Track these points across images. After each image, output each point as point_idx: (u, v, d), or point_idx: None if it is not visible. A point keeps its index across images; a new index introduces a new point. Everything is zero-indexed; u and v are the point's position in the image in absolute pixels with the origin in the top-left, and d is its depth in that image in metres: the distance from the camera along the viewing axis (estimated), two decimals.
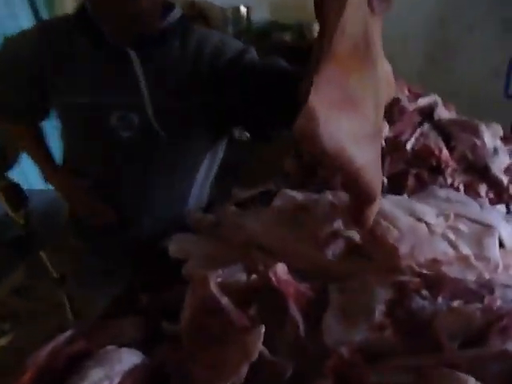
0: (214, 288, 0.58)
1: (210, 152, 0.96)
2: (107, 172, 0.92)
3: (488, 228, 0.72)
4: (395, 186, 0.92)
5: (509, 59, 2.43)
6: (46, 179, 1.02)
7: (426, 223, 0.68)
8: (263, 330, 0.54)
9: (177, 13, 0.84)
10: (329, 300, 0.61)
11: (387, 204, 0.71)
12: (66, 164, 0.98)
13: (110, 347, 0.56)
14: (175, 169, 0.94)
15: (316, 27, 2.51)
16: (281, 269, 0.62)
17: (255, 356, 0.50)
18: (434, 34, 2.64)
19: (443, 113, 0.94)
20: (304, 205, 0.82)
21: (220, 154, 1.02)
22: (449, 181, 0.90)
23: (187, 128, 0.88)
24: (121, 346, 0.60)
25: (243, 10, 2.55)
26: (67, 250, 1.10)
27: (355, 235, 0.68)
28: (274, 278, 0.61)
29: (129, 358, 0.55)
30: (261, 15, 2.76)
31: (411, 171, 0.91)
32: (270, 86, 0.79)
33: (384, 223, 0.68)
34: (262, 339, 0.52)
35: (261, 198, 1.04)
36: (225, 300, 0.58)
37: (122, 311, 0.75)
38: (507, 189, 0.91)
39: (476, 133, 0.89)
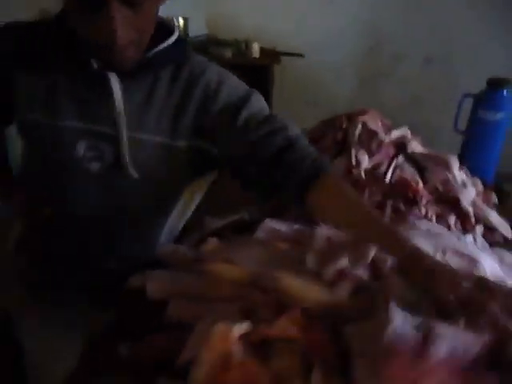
0: (235, 343, 0.52)
1: (189, 188, 0.87)
2: (67, 205, 0.79)
3: (472, 260, 0.75)
4: None
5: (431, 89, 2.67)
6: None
7: None
8: None
9: (172, 38, 0.75)
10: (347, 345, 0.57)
11: None
12: (22, 184, 0.83)
13: None
14: (148, 208, 0.83)
15: (256, 47, 2.52)
16: (296, 314, 0.58)
17: None
18: (364, 61, 2.80)
19: (416, 146, 0.98)
20: (295, 240, 0.78)
21: (204, 188, 0.94)
22: (423, 212, 0.93)
23: (164, 168, 0.78)
24: None
25: (181, 21, 2.48)
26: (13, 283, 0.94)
27: (364, 273, 0.66)
28: (293, 327, 0.56)
29: None
30: (197, 28, 2.70)
31: (388, 202, 0.92)
32: (264, 163, 0.74)
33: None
34: None
35: (233, 227, 0.99)
36: (247, 356, 0.52)
37: (96, 368, 0.65)
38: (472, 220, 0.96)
39: (447, 167, 0.94)
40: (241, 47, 2.53)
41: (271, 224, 0.87)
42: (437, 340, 0.52)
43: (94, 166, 0.74)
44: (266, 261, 0.74)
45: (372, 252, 0.68)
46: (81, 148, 0.72)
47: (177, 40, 0.74)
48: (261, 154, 0.75)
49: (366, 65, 2.81)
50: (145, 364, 0.62)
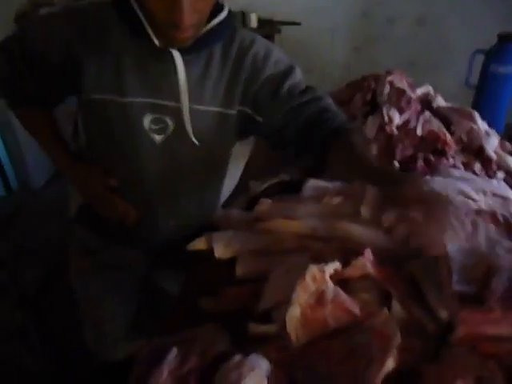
0: (327, 281, 0.58)
1: (235, 153, 0.93)
2: (134, 174, 0.84)
3: (506, 199, 0.82)
4: (406, 169, 0.99)
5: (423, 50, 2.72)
6: (61, 169, 0.91)
7: (474, 200, 0.75)
8: (386, 312, 0.57)
9: (223, 14, 0.78)
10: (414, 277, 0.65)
11: (438, 185, 0.77)
12: (87, 158, 0.88)
13: (238, 356, 0.53)
14: (205, 172, 0.89)
15: (253, 17, 2.52)
16: (369, 255, 0.65)
17: (398, 339, 0.52)
18: (357, 26, 2.83)
19: (440, 101, 1.04)
20: (346, 194, 0.85)
21: (246, 154, 0.99)
22: (451, 161, 1.00)
23: (218, 134, 0.83)
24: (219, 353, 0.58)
25: None
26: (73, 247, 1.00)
27: (418, 216, 0.73)
28: (370, 266, 0.63)
29: (262, 364, 0.53)
30: None
31: (419, 155, 0.99)
32: (301, 126, 0.80)
33: (440, 200, 0.73)
34: (394, 322, 0.54)
35: (276, 188, 1.04)
36: (337, 292, 0.58)
37: (186, 320, 0.71)
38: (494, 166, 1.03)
39: (472, 118, 1.00)
40: (238, 18, 2.53)
41: (316, 183, 0.94)
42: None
43: (158, 137, 0.79)
44: (322, 214, 0.81)
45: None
46: (147, 121, 0.77)
47: (227, 15, 0.78)
48: (301, 118, 0.81)
49: (360, 29, 2.84)
50: (227, 314, 0.68)
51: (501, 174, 1.06)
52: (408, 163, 1.00)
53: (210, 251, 0.82)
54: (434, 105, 1.03)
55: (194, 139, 0.79)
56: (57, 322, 1.47)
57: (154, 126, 0.78)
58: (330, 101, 0.85)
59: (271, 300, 0.68)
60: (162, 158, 0.82)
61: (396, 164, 0.99)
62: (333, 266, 0.60)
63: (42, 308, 1.55)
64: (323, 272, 0.58)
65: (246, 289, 0.74)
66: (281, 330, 0.60)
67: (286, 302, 0.61)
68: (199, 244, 0.85)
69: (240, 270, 0.78)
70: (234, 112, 0.82)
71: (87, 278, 0.98)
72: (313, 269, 0.58)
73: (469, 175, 0.95)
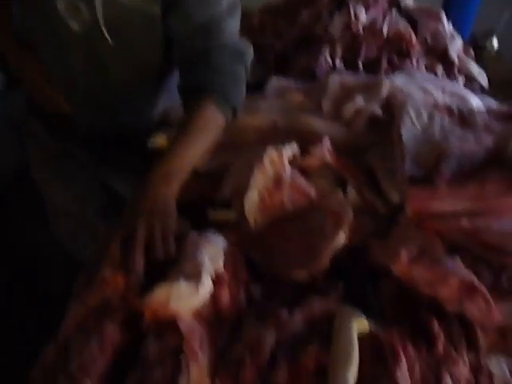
0: (286, 165, 0.59)
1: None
2: (63, 67, 0.80)
3: (463, 98, 0.84)
4: (370, 70, 0.98)
5: None
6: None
7: (433, 96, 0.77)
8: (341, 195, 0.59)
9: None
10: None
11: (400, 81, 0.77)
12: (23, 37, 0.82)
13: (194, 233, 0.55)
14: (136, 80, 0.84)
15: None
16: (327, 144, 0.66)
17: (350, 217, 0.55)
18: None
19: (408, 0, 1.01)
20: (307, 91, 0.84)
21: None
22: (414, 63, 0.99)
23: (141, 36, 0.77)
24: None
25: None
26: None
27: (377, 109, 0.73)
28: (327, 154, 0.64)
29: (219, 240, 0.55)
30: None
31: (384, 56, 0.97)
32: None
33: (400, 96, 0.74)
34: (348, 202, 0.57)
35: None
36: (298, 175, 0.60)
37: None
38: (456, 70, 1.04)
39: (438, 19, 0.98)
40: None
41: (279, 81, 0.92)
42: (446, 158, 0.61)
43: (75, 25, 0.73)
44: (284, 109, 0.80)
45: (385, 89, 0.75)
46: (61, 5, 0.71)
47: None
48: (191, 44, 0.75)
49: None
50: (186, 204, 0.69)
51: (461, 79, 1.08)
52: (373, 64, 0.99)
53: None
54: (402, 4, 1.00)
55: (106, 34, 0.74)
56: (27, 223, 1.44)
57: (68, 12, 0.73)
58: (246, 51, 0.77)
59: (231, 189, 0.69)
60: (84, 51, 0.77)
61: (360, 65, 0.98)
62: (291, 149, 0.61)
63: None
64: (281, 155, 0.59)
65: (206, 180, 0.75)
66: (239, 215, 0.62)
67: (244, 192, 0.62)
68: (159, 140, 0.83)
69: (201, 164, 0.78)
70: (157, 11, 0.75)
71: (48, 175, 0.97)
72: (271, 152, 0.59)
73: (430, 76, 0.96)
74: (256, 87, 0.96)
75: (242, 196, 0.61)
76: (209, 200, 0.70)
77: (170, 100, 0.93)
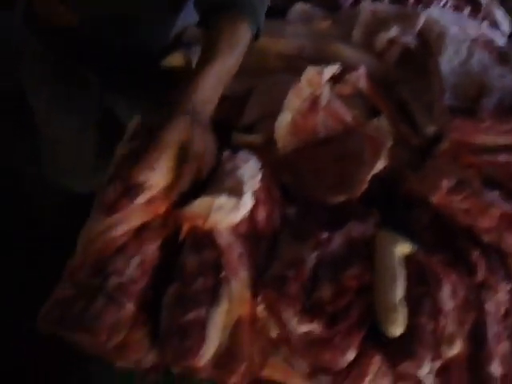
0: (324, 86, 0.56)
1: None
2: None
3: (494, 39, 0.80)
4: (397, 2, 0.93)
5: None
6: None
7: (469, 33, 0.73)
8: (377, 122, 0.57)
9: None
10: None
11: (437, 13, 0.73)
12: None
13: (227, 151, 0.52)
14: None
15: None
16: (363, 72, 0.63)
17: (389, 143, 0.53)
18: None
19: None
20: (336, 18, 0.78)
21: None
22: (442, 2, 0.95)
23: None
24: None
25: None
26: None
27: (412, 41, 0.70)
28: (364, 82, 0.61)
29: (254, 159, 0.52)
30: None
31: None
32: None
33: (437, 29, 0.70)
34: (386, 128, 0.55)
35: None
36: (336, 99, 0.57)
37: None
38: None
39: None
40: None
41: (303, 7, 0.86)
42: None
43: None
44: (310, 35, 0.75)
45: (421, 21, 0.71)
46: None
47: None
48: None
49: None
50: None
51: (486, 22, 1.04)
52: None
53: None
54: None
55: None
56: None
57: None
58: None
59: (255, 113, 0.65)
60: None
61: None
62: (332, 70, 0.57)
63: None
64: (321, 74, 0.55)
65: (228, 102, 0.71)
66: (267, 139, 0.59)
67: (270, 116, 0.59)
68: (175, 59, 0.78)
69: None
70: None
71: (47, 97, 0.90)
72: (310, 70, 0.55)
73: (460, 15, 0.92)
74: (275, 13, 0.90)
75: (270, 119, 0.58)
76: (230, 124, 0.67)
77: (184, 20, 0.87)
